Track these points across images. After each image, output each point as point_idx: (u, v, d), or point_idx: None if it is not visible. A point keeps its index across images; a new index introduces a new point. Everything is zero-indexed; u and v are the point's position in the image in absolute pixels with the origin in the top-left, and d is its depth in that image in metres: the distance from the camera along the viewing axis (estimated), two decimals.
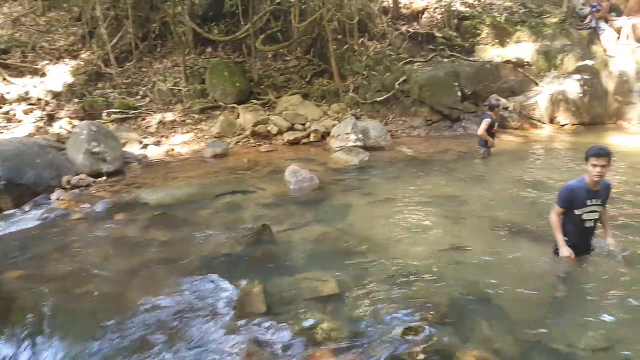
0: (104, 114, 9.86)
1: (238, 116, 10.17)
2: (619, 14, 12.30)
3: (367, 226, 5.24)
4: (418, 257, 4.44)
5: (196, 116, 10.28)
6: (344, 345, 3.07)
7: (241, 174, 7.53)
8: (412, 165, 7.88)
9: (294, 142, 9.37)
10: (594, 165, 3.56)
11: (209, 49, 11.98)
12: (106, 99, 10.34)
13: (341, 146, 8.59)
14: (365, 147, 8.59)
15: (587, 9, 12.02)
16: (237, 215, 5.68)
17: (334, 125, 9.44)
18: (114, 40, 11.47)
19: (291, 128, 9.70)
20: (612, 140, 9.41)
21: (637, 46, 11.55)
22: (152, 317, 3.41)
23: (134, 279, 4.09)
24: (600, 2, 12.06)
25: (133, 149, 8.69)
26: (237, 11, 11.64)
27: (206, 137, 9.57)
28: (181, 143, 9.30)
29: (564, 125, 10.63)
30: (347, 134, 8.82)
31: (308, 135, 9.51)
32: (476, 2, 13.01)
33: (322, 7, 10.66)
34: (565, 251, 3.80)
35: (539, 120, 10.59)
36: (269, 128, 9.60)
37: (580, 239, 3.91)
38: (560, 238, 3.87)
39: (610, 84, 10.90)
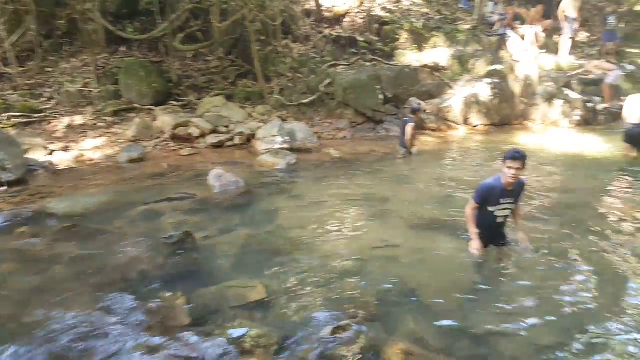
0: (4, 118, 8.95)
1: (156, 119, 9.67)
2: (522, 22, 13.29)
3: (296, 228, 5.17)
4: (346, 256, 4.44)
5: (109, 119, 9.64)
6: (274, 351, 2.99)
7: (161, 180, 7.14)
8: (339, 167, 7.93)
9: (218, 145, 9.07)
10: (510, 168, 3.77)
11: (122, 48, 11.30)
12: (5, 101, 9.39)
13: (268, 149, 8.46)
14: (292, 150, 8.52)
15: (495, 17, 12.86)
16: (156, 224, 5.36)
17: (259, 128, 9.28)
18: (14, 38, 10.47)
19: (214, 131, 9.38)
20: (519, 139, 10.11)
21: (539, 52, 12.53)
22: (59, 340, 3.09)
23: (39, 299, 3.70)
24: (507, 11, 12.95)
25: (38, 155, 7.93)
26: (153, 9, 11.10)
27: (121, 141, 8.99)
28: (93, 148, 8.65)
29: (476, 126, 11.25)
30: (274, 136, 8.71)
31: (233, 138, 9.25)
32: (395, 8, 13.45)
33: (244, 8, 10.47)
34: (474, 244, 4.09)
35: (454, 122, 11.12)
36: (190, 131, 9.21)
37: (492, 232, 4.16)
38: (473, 231, 4.13)
39: (517, 87, 11.70)
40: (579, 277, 3.96)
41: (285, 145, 8.57)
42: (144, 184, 6.94)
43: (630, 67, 13.09)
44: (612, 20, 12.82)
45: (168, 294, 3.65)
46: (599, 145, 9.44)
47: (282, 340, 3.09)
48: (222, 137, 9.19)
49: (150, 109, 9.92)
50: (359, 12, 12.98)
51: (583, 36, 14.65)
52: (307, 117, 10.57)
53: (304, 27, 12.34)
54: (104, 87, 10.15)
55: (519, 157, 3.76)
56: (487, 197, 3.97)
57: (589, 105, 11.68)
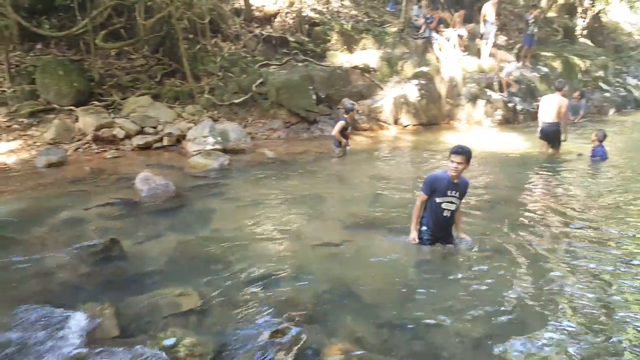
0: None
1: (77, 120, 9.07)
2: (447, 26, 13.91)
3: (232, 231, 5.04)
4: (284, 258, 4.40)
5: (25, 121, 8.92)
6: (210, 359, 2.88)
7: (83, 185, 6.71)
8: (274, 167, 7.87)
9: (145, 147, 8.68)
10: (452, 161, 4.04)
11: (38, 46, 10.50)
12: None
13: (199, 150, 8.21)
14: (225, 150, 8.34)
15: (421, 20, 13.35)
16: (80, 231, 5.01)
17: (190, 128, 8.99)
18: None
19: (141, 132, 8.97)
20: (446, 138, 10.58)
21: (463, 55, 13.16)
22: None
23: None
24: (433, 15, 13.49)
25: None
26: (72, 5, 10.41)
27: (38, 144, 8.36)
28: (7, 152, 7.98)
29: (406, 126, 11.63)
30: (205, 137, 8.47)
31: (161, 139, 8.89)
32: (325, 10, 13.57)
33: (170, 5, 10.09)
34: (411, 235, 4.40)
35: (385, 122, 11.42)
36: (114, 132, 8.73)
37: (439, 228, 4.33)
38: (413, 224, 4.39)
39: (442, 89, 12.24)
40: (510, 271, 4.12)
41: (218, 146, 8.37)
42: (65, 189, 6.49)
43: (544, 69, 14.12)
44: (531, 24, 13.76)
45: (94, 305, 3.42)
46: (519, 143, 10.09)
47: (219, 348, 2.98)
48: (150, 139, 8.82)
49: (70, 110, 9.29)
50: (289, 12, 12.97)
51: (502, 40, 15.60)
52: (240, 117, 10.40)
53: (233, 26, 12.13)
54: (19, 87, 9.38)
55: (461, 152, 4.03)
56: (435, 187, 4.19)
57: (510, 105, 12.45)
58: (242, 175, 7.44)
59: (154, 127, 9.18)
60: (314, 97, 10.72)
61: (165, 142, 8.88)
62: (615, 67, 17.89)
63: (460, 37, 13.27)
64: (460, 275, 4.05)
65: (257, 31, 12.29)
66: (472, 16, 14.86)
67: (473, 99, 12.31)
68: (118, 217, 5.42)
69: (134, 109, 9.51)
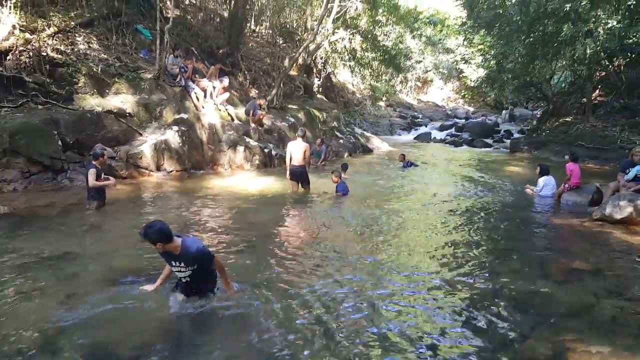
0: None
1: None
2: (202, 76, 14.36)
3: None
4: (26, 328, 3.74)
5: None
6: None
7: None
8: (9, 225, 6.63)
9: None
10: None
11: None
12: None
13: None
14: None
15: (176, 69, 13.44)
16: None
17: None
18: None
19: None
20: (210, 182, 10.77)
21: (219, 105, 13.73)
22: None
23: None
24: (187, 64, 13.74)
25: None
26: None
27: None
28: None
29: (171, 172, 11.38)
30: None
31: None
32: (69, 50, 12.40)
33: None
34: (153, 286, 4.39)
35: (146, 168, 10.95)
36: None
37: (183, 288, 4.19)
38: (158, 281, 4.42)
39: (203, 135, 12.49)
40: (265, 306, 4.33)
41: None
42: None
43: (292, 120, 15.86)
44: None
45: None
46: (275, 184, 10.96)
47: None
48: None
49: None
50: (24, 50, 11.38)
51: (254, 93, 16.95)
52: None
53: None
54: None
55: (147, 239, 3.84)
56: (163, 256, 4.07)
57: (265, 150, 13.49)
58: None
59: None
60: (60, 143, 9.58)
61: None
62: (346, 119, 21.36)
63: (215, 88, 13.82)
64: (218, 324, 3.97)
65: None
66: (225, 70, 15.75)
67: (233, 145, 12.92)
68: None
69: None
